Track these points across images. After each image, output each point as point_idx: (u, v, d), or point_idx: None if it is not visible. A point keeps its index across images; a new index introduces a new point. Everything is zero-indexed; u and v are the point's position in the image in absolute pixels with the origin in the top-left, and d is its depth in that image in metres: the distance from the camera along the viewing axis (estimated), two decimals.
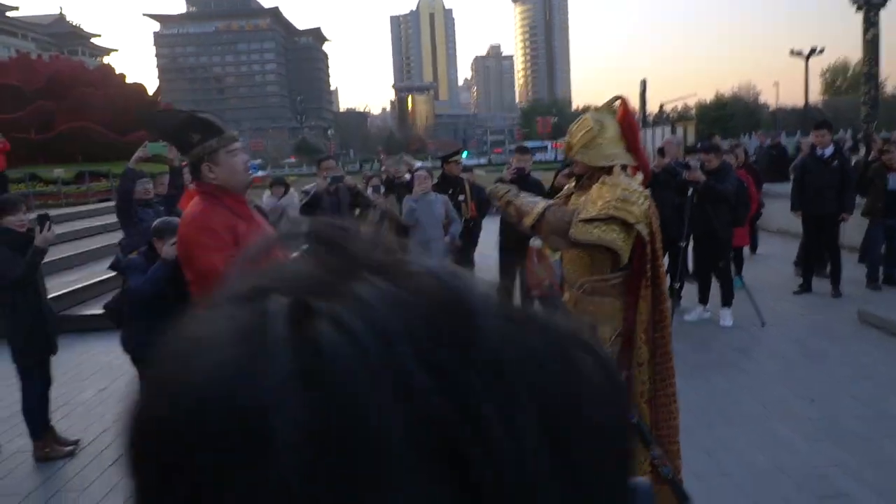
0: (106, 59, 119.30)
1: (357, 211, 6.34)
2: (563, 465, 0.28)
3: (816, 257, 7.75)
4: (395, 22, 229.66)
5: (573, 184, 3.06)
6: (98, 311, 8.10)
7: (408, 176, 6.73)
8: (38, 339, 4.33)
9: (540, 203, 2.79)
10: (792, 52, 40.45)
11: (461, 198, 6.93)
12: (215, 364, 0.28)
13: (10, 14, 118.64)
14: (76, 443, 4.52)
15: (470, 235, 6.94)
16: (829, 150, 7.15)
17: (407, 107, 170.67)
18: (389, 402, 0.26)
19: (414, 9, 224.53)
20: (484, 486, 0.26)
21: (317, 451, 0.25)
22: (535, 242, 5.49)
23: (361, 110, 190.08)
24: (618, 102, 2.87)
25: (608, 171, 2.80)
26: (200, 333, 0.30)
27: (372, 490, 0.25)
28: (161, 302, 4.12)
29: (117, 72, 36.18)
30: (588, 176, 2.87)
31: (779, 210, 12.21)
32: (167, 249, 3.97)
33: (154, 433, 0.29)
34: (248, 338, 0.28)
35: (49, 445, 4.35)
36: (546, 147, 63.49)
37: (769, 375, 5.09)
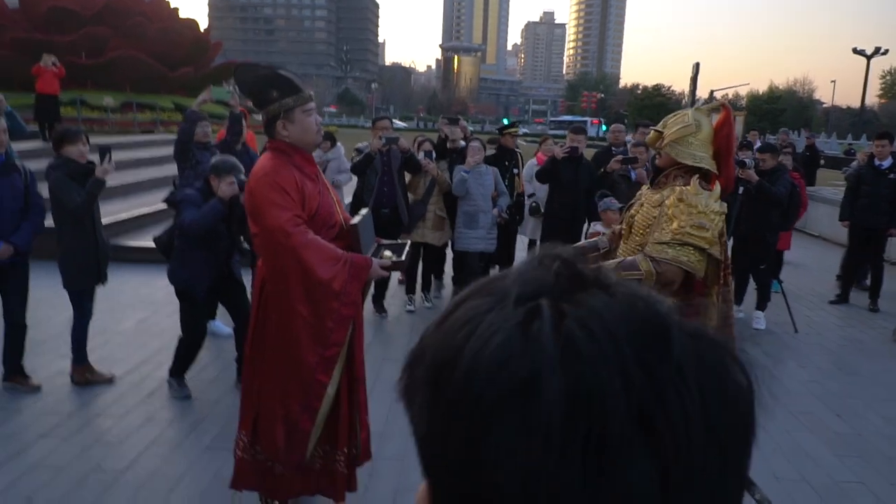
0: None
1: (406, 174, 6.35)
2: (716, 442, 0.38)
3: (857, 268, 7.63)
4: None
5: (646, 187, 3.04)
6: (140, 243, 8.34)
7: (462, 143, 6.69)
8: (90, 267, 4.45)
9: (641, 264, 2.69)
10: (854, 51, 39.25)
11: (515, 171, 6.91)
12: (505, 340, 0.39)
13: None
14: (111, 378, 4.66)
15: (519, 210, 6.94)
16: (887, 162, 6.98)
17: (452, 67, 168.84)
18: (617, 387, 0.37)
19: None
20: (668, 457, 0.36)
21: (567, 410, 0.37)
22: (596, 227, 5.45)
23: (407, 66, 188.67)
24: (720, 108, 2.86)
25: (686, 172, 2.79)
26: (492, 320, 0.41)
27: (600, 452, 0.36)
28: (211, 239, 4.24)
29: (171, 6, 36.19)
30: (666, 174, 2.87)
31: (821, 215, 12.01)
32: (224, 188, 4.06)
33: (449, 379, 0.41)
34: (526, 328, 0.39)
35: (90, 370, 4.52)
36: (585, 122, 62.64)
37: (799, 384, 5.07)
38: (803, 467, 3.82)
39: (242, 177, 4.19)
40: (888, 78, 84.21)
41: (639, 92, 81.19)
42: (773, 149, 6.43)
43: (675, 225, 2.63)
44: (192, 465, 3.59)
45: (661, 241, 2.66)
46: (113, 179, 11.14)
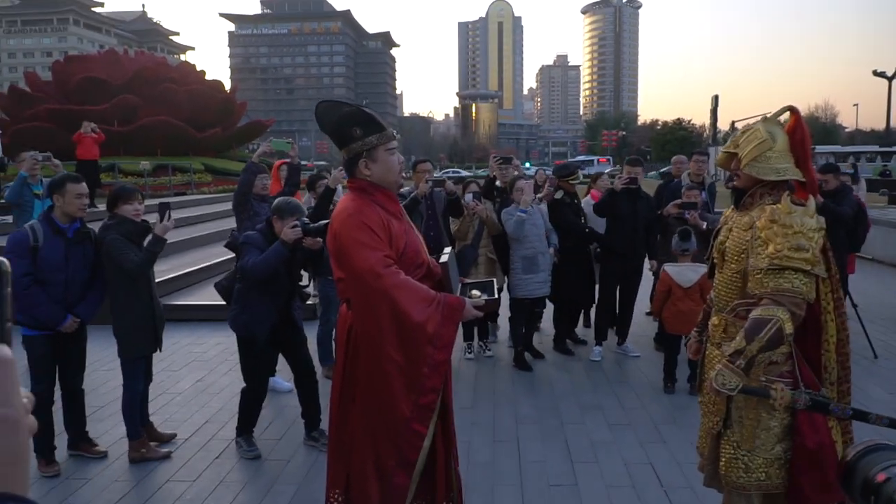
0: (183, 57, 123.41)
1: (451, 218, 6.23)
2: None
3: None
4: (464, 28, 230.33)
5: (729, 210, 2.88)
6: (188, 301, 8.32)
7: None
8: (146, 333, 4.24)
9: (766, 314, 2.47)
10: (875, 73, 38.96)
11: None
12: None
13: (95, 10, 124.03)
14: (173, 436, 4.54)
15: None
16: None
17: (471, 114, 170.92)
18: None
19: (483, 16, 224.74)
20: None
21: None
22: (668, 268, 5.22)
23: (425, 116, 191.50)
24: (787, 113, 2.69)
25: (772, 188, 2.63)
26: None
27: None
28: (273, 282, 4.13)
29: (197, 69, 37.30)
30: (751, 193, 2.70)
31: (873, 237, 11.65)
32: (287, 231, 3.96)
33: None
34: None
35: (146, 445, 4.27)
36: (592, 161, 63.19)
37: (886, 410, 4.75)
38: None
39: (305, 219, 4.10)
40: None
41: (659, 127, 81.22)
42: (835, 169, 6.22)
43: (770, 249, 2.46)
44: None
45: (758, 267, 2.48)
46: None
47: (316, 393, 4.44)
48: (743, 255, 2.61)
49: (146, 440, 4.32)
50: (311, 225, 4.00)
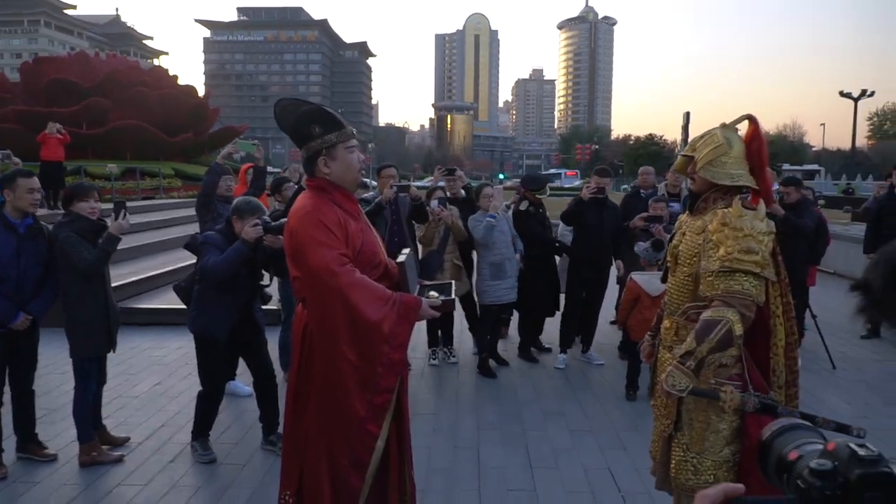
0: (156, 62, 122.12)
1: (416, 223, 6.21)
2: None
3: None
4: (441, 40, 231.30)
5: (685, 215, 2.91)
6: (148, 305, 8.18)
7: (463, 193, 6.56)
8: (99, 333, 4.14)
9: (716, 315, 2.48)
10: (841, 94, 39.91)
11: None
12: None
13: (67, 12, 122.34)
14: (127, 440, 4.44)
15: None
16: None
17: (446, 125, 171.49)
18: None
19: (460, 28, 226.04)
20: None
21: None
22: (635, 276, 5.26)
23: (400, 126, 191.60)
24: (745, 122, 2.73)
25: (725, 193, 2.67)
26: None
27: None
28: (233, 283, 4.07)
29: (170, 74, 36.89)
30: (704, 198, 2.74)
31: (834, 251, 11.89)
32: (247, 230, 3.91)
33: None
34: None
35: (97, 449, 4.16)
36: (560, 175, 64.65)
37: (847, 419, 4.83)
38: None
39: (266, 218, 4.06)
40: (875, 120, 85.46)
41: (631, 142, 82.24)
42: (796, 182, 6.34)
43: (721, 251, 2.49)
44: None
45: (709, 269, 2.51)
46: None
47: (275, 396, 4.38)
48: (695, 259, 2.64)
49: (98, 443, 4.21)
50: (273, 223, 3.96)
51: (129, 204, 4.12)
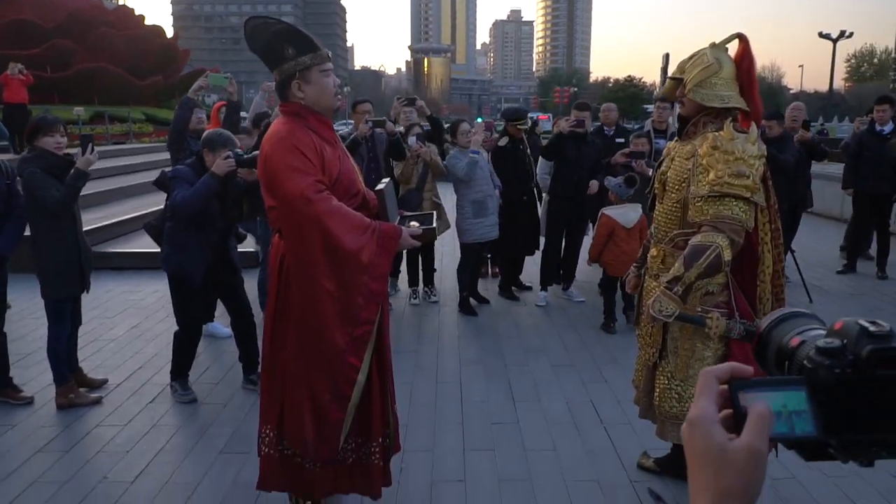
0: (121, 1, 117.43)
1: (394, 161, 6.07)
2: None
3: (863, 237, 7.54)
4: None
5: (674, 141, 2.84)
6: (123, 248, 8.02)
7: (424, 126, 6.38)
8: (72, 274, 4.01)
9: (706, 240, 2.42)
10: (820, 35, 39.63)
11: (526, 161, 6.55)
12: None
13: None
14: (105, 382, 4.38)
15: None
16: (888, 127, 6.85)
17: (423, 69, 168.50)
18: None
19: None
20: None
21: None
22: (607, 211, 5.21)
23: (376, 69, 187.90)
24: (735, 41, 2.64)
25: (715, 117, 2.60)
26: None
27: None
28: (205, 219, 3.96)
29: (136, 14, 35.55)
30: (694, 122, 2.66)
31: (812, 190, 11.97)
32: (218, 162, 3.77)
33: None
34: None
35: (74, 391, 4.08)
36: (533, 117, 63.75)
37: None
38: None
39: (239, 150, 3.91)
40: (853, 61, 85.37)
41: (610, 85, 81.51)
42: (779, 116, 6.28)
43: (711, 175, 2.43)
44: (207, 471, 3.32)
45: (698, 194, 2.45)
46: (88, 187, 10.84)
47: (254, 335, 4.32)
48: (684, 185, 2.58)
49: (74, 385, 4.14)
50: (245, 156, 3.82)
51: (98, 149, 3.94)
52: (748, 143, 2.44)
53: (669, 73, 2.84)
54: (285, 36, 2.48)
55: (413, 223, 2.70)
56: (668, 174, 2.69)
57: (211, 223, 4.00)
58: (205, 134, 4.06)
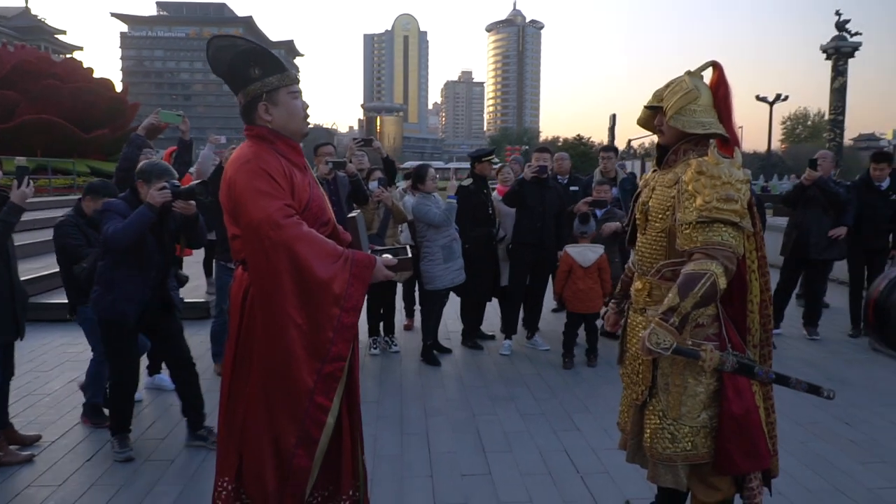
0: (70, 57, 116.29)
1: (355, 204, 5.92)
2: None
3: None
4: (369, 41, 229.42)
5: (649, 173, 2.76)
6: (61, 300, 7.57)
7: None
8: (4, 317, 3.70)
9: (698, 269, 2.31)
10: (758, 98, 41.60)
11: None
12: None
13: None
14: (38, 438, 4.00)
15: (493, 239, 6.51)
16: (885, 183, 6.79)
17: (376, 127, 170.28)
18: None
19: (389, 29, 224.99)
20: None
21: None
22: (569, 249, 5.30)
23: (329, 127, 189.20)
24: (710, 68, 2.60)
25: (695, 144, 2.53)
26: None
27: None
28: (141, 256, 3.65)
29: (84, 67, 35.07)
30: (674, 150, 2.59)
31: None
32: (153, 193, 3.52)
33: None
34: None
35: (3, 448, 3.72)
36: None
37: (794, 394, 4.81)
38: (834, 479, 3.54)
39: (176, 182, 3.67)
40: (788, 123, 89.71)
41: (560, 143, 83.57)
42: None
43: (699, 201, 2.33)
44: None
45: (686, 221, 2.36)
46: (27, 238, 10.33)
47: (197, 386, 4.00)
48: (668, 213, 2.49)
49: (4, 443, 3.76)
50: (183, 187, 3.60)
51: (40, 199, 3.68)
52: (734, 168, 2.37)
53: (616, 130, 2.79)
54: (251, 56, 2.33)
55: (386, 255, 2.53)
56: (650, 204, 2.60)
57: (147, 259, 3.69)
58: (140, 165, 3.81)
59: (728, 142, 2.53)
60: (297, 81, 2.40)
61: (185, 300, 6.46)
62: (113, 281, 3.65)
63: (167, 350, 4.02)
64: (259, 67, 2.32)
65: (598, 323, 5.65)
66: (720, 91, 2.56)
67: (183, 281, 4.97)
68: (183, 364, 3.99)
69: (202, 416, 4.01)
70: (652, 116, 2.67)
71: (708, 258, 2.25)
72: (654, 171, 2.73)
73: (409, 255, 2.57)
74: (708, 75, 2.60)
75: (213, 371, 5.23)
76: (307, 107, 2.45)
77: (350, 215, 2.44)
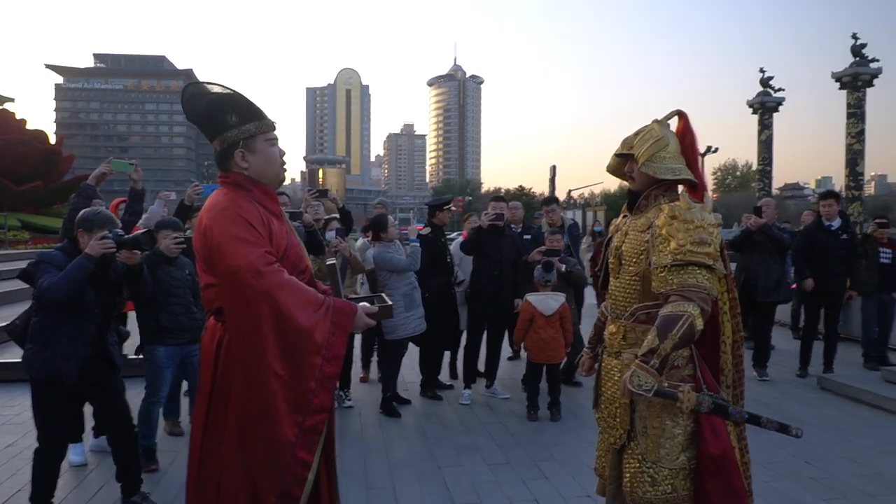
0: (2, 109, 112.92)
1: (312, 256, 5.84)
2: None
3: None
4: (311, 94, 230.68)
5: (619, 219, 2.83)
6: None
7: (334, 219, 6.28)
8: None
9: (676, 310, 2.35)
10: None
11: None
12: None
13: None
14: None
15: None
16: (836, 222, 6.87)
17: (318, 179, 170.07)
18: None
19: (331, 82, 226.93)
20: None
21: None
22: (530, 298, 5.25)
23: None
24: (676, 117, 2.70)
25: (666, 189, 2.61)
26: None
27: None
28: (79, 310, 3.46)
29: (16, 118, 34.07)
30: (645, 195, 2.66)
31: None
32: (92, 243, 3.34)
33: None
34: None
35: None
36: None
37: (752, 434, 4.92)
38: None
39: (119, 231, 3.53)
40: (719, 174, 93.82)
41: (502, 194, 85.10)
42: None
43: (673, 244, 2.40)
44: None
45: (661, 264, 2.41)
46: None
47: (136, 447, 3.82)
48: (642, 257, 2.54)
49: None
50: (126, 236, 3.48)
51: None
52: (705, 212, 2.44)
53: (560, 185, 2.87)
54: (227, 103, 2.32)
55: (364, 304, 2.49)
56: (623, 248, 2.65)
57: (85, 312, 3.50)
58: (81, 213, 3.61)
59: (696, 187, 2.62)
60: (274, 128, 2.38)
61: (128, 357, 6.19)
62: (48, 337, 3.44)
63: (107, 409, 3.81)
64: (236, 114, 2.30)
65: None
66: (686, 138, 2.66)
67: (124, 336, 4.76)
68: (121, 422, 3.78)
69: (139, 482, 3.80)
70: (622, 163, 2.75)
71: (684, 300, 2.30)
72: (625, 216, 2.79)
73: (389, 302, 2.54)
74: (674, 124, 2.70)
75: (164, 429, 5.00)
76: (284, 154, 2.43)
77: (328, 262, 2.40)
